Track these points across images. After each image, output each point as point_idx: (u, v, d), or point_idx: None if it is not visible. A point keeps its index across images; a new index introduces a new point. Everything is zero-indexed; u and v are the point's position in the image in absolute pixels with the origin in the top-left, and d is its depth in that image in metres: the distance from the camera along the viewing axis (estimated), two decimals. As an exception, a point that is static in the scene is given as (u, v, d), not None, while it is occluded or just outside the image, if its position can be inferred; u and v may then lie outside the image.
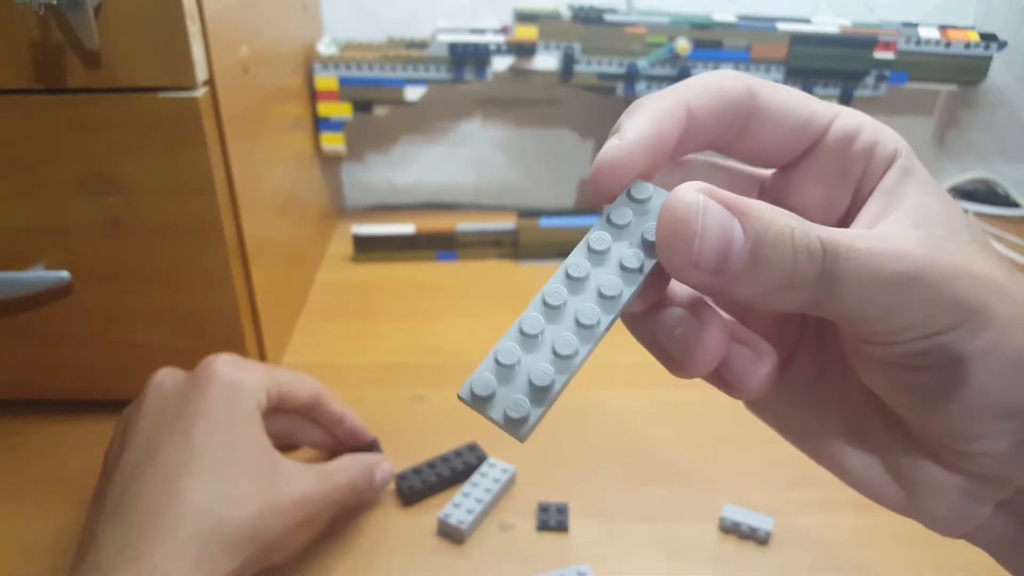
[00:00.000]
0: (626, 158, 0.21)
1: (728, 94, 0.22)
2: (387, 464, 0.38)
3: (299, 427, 0.39)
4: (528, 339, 0.21)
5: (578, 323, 0.20)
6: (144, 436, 0.31)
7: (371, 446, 0.41)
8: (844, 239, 0.18)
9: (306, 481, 0.32)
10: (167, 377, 0.34)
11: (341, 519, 0.38)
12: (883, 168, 0.22)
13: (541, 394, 0.20)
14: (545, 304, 0.22)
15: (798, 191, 0.23)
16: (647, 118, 0.21)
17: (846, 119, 0.21)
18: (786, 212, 0.19)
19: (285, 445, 0.40)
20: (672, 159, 0.22)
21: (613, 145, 0.21)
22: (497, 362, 0.20)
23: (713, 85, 0.22)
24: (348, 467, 0.36)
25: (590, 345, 0.20)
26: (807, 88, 0.63)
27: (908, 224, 0.20)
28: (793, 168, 0.22)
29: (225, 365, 0.33)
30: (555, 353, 0.20)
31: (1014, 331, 0.19)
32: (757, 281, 0.18)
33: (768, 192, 0.24)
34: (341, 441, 0.40)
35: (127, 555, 0.27)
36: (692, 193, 0.18)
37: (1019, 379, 0.19)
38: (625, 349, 0.53)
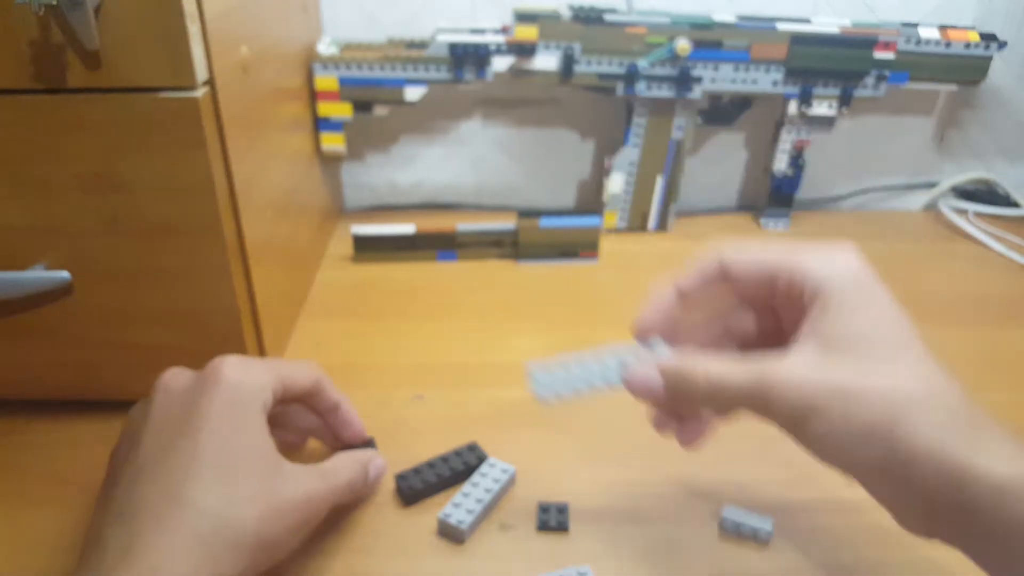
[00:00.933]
0: (642, 330, 0.35)
1: (706, 271, 0.34)
2: (379, 460, 0.39)
3: (296, 415, 0.39)
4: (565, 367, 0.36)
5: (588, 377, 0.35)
6: (151, 439, 0.31)
7: (366, 445, 0.41)
8: (767, 369, 0.30)
9: (308, 482, 0.33)
10: (174, 378, 0.34)
11: (341, 519, 0.38)
12: (808, 305, 0.31)
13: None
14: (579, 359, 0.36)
15: (768, 315, 0.35)
16: (648, 307, 0.35)
17: (788, 269, 0.31)
18: (705, 361, 0.31)
19: (285, 444, 0.40)
20: (683, 306, 0.35)
21: (640, 320, 0.35)
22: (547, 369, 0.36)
23: (695, 267, 0.34)
24: (345, 466, 0.36)
25: (586, 388, 0.35)
26: (807, 88, 0.63)
27: (811, 353, 0.29)
28: (764, 302, 0.34)
29: (231, 367, 0.33)
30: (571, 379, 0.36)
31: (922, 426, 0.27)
32: (678, 401, 0.32)
33: (759, 312, 0.35)
34: (334, 429, 0.40)
35: (130, 556, 0.27)
36: (637, 370, 0.33)
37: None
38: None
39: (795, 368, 0.29)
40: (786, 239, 0.68)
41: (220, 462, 0.30)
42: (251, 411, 0.32)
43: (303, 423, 0.40)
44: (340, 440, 0.40)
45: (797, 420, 0.29)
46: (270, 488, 0.31)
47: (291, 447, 0.41)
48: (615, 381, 0.34)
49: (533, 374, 0.36)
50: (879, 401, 0.28)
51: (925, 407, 0.28)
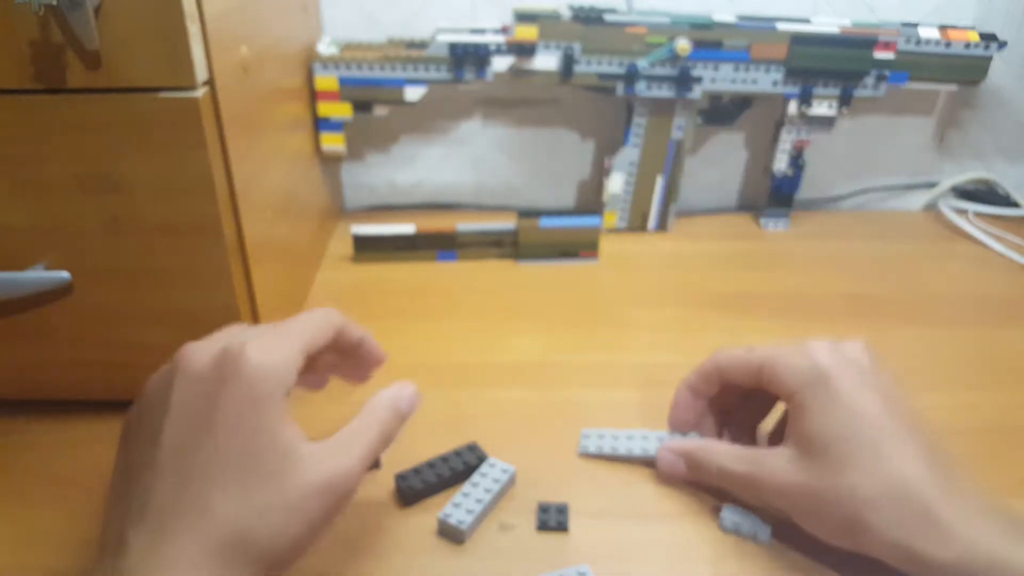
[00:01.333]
0: (674, 427, 0.43)
1: (706, 372, 0.41)
2: (408, 390, 0.36)
3: (317, 357, 0.36)
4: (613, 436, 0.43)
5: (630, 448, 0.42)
6: (171, 433, 0.30)
7: None
8: (756, 469, 0.36)
9: (328, 464, 0.30)
10: (195, 359, 0.31)
11: (340, 519, 0.38)
12: (788, 406, 0.37)
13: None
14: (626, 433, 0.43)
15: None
16: (673, 410, 0.43)
17: (769, 370, 0.38)
18: (717, 453, 0.39)
19: (309, 384, 0.39)
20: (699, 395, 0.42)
21: (671, 421, 0.43)
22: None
23: (697, 371, 0.42)
24: (370, 422, 0.33)
25: (624, 452, 0.42)
26: (807, 88, 0.63)
27: (789, 455, 0.35)
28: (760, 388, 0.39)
29: (255, 351, 0.30)
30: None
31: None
32: (699, 478, 0.40)
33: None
34: (358, 366, 0.39)
35: (153, 562, 0.27)
36: (664, 453, 0.41)
37: None
38: (624, 350, 0.53)
39: (776, 469, 0.36)
40: (786, 239, 0.68)
41: (241, 465, 0.29)
42: (274, 402, 0.30)
43: (324, 362, 0.38)
44: (364, 375, 0.39)
45: (782, 510, 0.36)
46: (291, 485, 0.29)
47: (314, 387, 0.40)
48: (650, 453, 0.41)
49: (585, 434, 0.43)
50: (841, 501, 0.33)
51: (880, 505, 0.32)
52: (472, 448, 0.41)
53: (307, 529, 0.30)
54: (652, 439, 0.42)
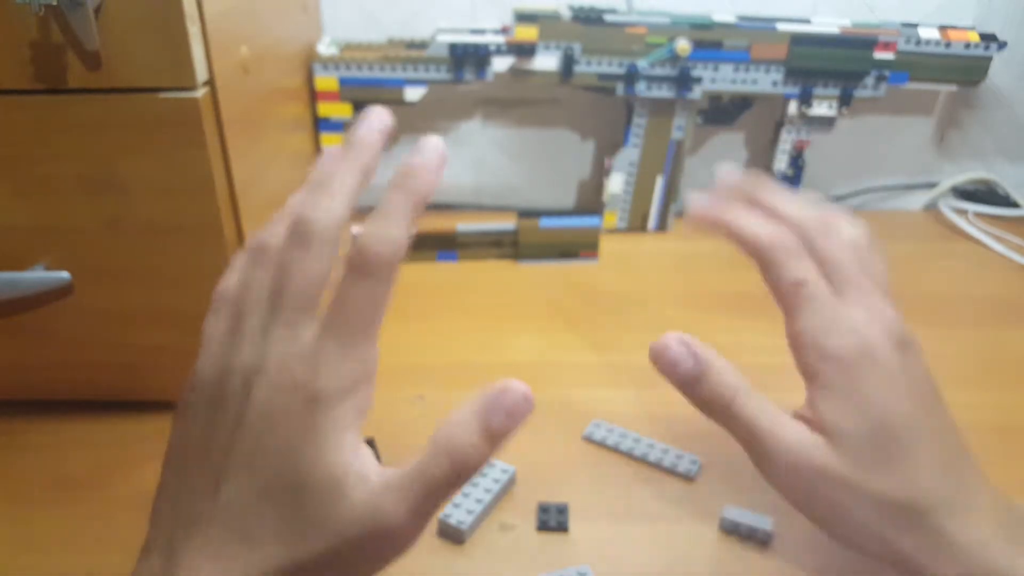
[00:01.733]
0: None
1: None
2: (514, 389, 0.26)
3: None
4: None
5: None
6: (241, 448, 0.26)
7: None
8: (771, 423, 0.30)
9: (377, 505, 0.25)
10: (267, 382, 0.26)
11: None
12: (809, 372, 0.31)
13: None
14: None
15: None
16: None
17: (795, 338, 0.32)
18: (734, 381, 0.31)
19: None
20: None
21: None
22: None
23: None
24: (445, 445, 0.26)
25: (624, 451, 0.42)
26: (807, 89, 0.63)
27: (810, 435, 0.30)
28: None
29: (327, 375, 0.26)
30: None
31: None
32: (698, 392, 0.31)
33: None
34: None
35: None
36: (677, 345, 0.31)
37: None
38: (624, 350, 0.53)
39: (792, 445, 0.30)
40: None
41: (291, 499, 0.25)
42: (341, 429, 0.26)
43: None
44: None
45: (778, 486, 0.31)
46: (336, 526, 0.25)
47: None
48: (649, 459, 0.41)
49: (596, 423, 0.43)
50: (861, 504, 0.29)
51: (895, 516, 0.29)
52: None
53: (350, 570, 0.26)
54: (657, 449, 0.42)
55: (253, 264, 0.29)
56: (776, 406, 0.31)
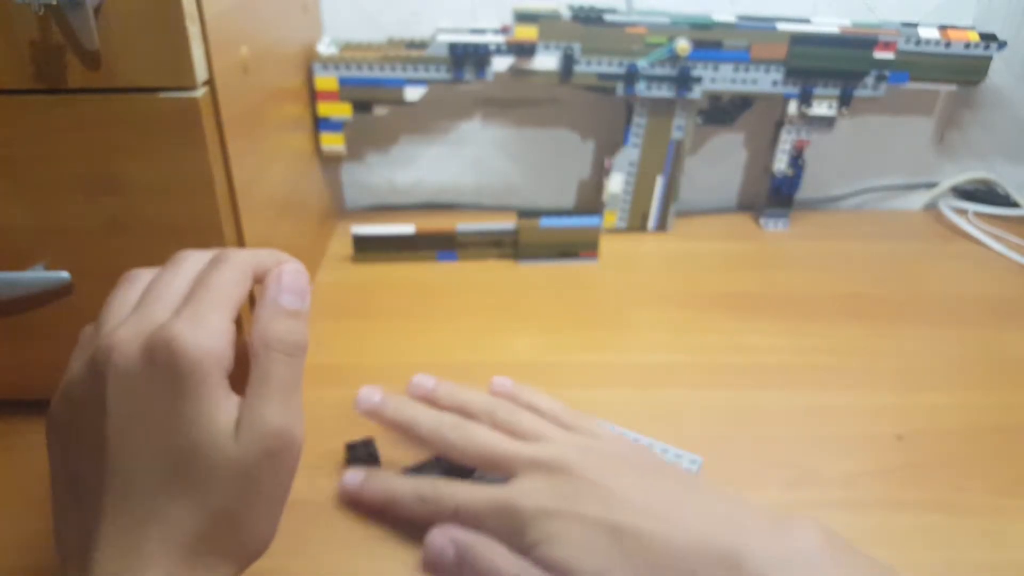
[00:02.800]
0: None
1: None
2: (286, 268, 0.31)
3: None
4: None
5: None
6: (114, 441, 0.27)
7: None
8: None
9: (260, 430, 0.27)
10: (122, 357, 0.27)
11: (338, 519, 0.38)
12: None
13: None
14: None
15: None
16: None
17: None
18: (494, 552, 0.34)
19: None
20: None
21: None
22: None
23: None
24: (270, 361, 0.28)
25: None
26: (807, 88, 0.63)
27: None
28: None
29: (185, 333, 0.27)
30: None
31: None
32: None
33: None
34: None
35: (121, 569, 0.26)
36: (435, 538, 0.36)
37: None
38: (624, 350, 0.53)
39: None
40: (786, 239, 0.68)
41: (186, 466, 0.27)
42: (212, 387, 0.27)
43: None
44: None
45: None
46: (234, 473, 0.27)
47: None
48: None
49: (599, 423, 0.41)
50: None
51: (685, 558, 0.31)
52: None
53: (264, 504, 0.28)
54: (657, 448, 0.42)
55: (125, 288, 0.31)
56: (525, 561, 0.33)
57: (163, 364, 0.26)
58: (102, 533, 0.26)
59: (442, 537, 0.35)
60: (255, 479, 0.27)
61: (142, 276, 0.31)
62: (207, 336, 0.27)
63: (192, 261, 0.31)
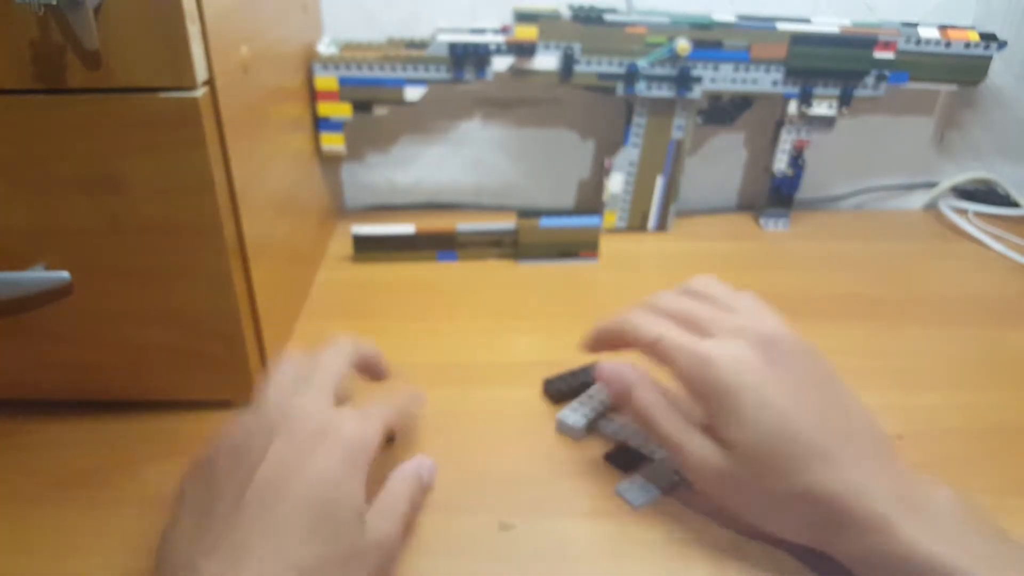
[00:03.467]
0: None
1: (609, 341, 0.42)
2: (428, 462, 0.39)
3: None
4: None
5: None
6: (262, 479, 0.31)
7: (388, 441, 0.42)
8: (683, 437, 0.36)
9: (381, 528, 0.33)
10: (301, 425, 0.33)
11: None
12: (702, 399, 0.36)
13: None
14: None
15: None
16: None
17: (674, 371, 0.37)
18: (651, 397, 0.38)
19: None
20: None
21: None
22: None
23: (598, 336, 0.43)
24: (400, 490, 0.36)
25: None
26: (807, 88, 0.63)
27: (718, 452, 0.35)
28: None
29: (352, 427, 0.33)
30: None
31: None
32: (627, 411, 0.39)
33: None
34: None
35: None
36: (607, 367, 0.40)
37: None
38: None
39: (706, 459, 0.35)
40: (786, 239, 0.68)
41: (322, 520, 0.30)
42: (360, 470, 0.33)
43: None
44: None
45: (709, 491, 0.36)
46: (358, 543, 0.31)
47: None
48: (657, 457, 0.42)
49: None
50: (791, 503, 0.33)
51: (836, 516, 0.32)
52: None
53: None
54: (658, 454, 0.42)
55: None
56: (684, 419, 0.36)
57: (332, 440, 0.32)
58: (216, 549, 0.29)
59: (614, 371, 0.39)
60: (364, 562, 0.31)
61: (296, 356, 0.38)
62: (366, 434, 0.34)
63: (345, 343, 0.39)
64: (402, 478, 0.36)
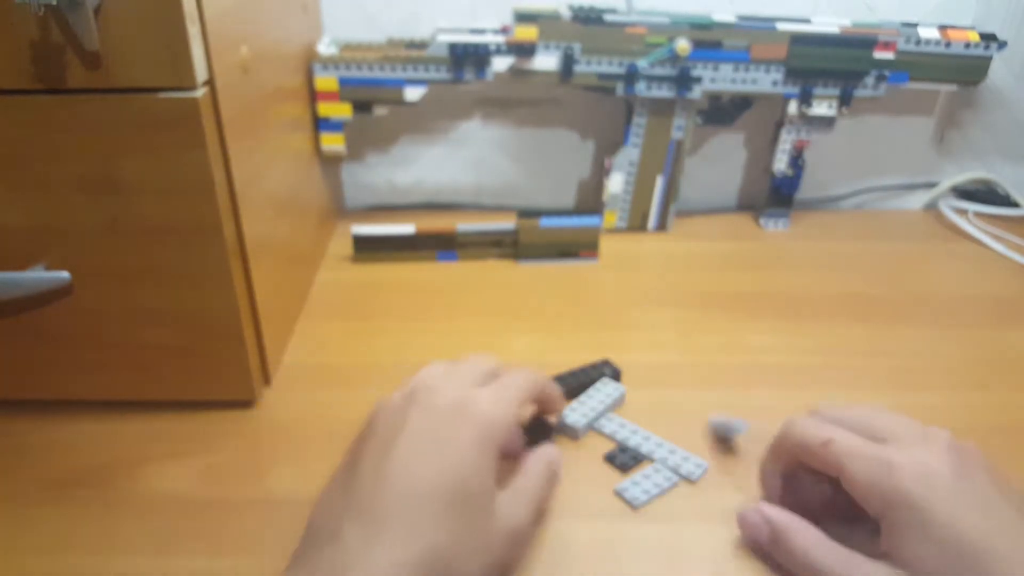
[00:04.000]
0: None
1: (779, 455, 0.38)
2: (556, 451, 0.38)
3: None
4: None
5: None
6: (402, 451, 0.32)
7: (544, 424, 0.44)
8: (847, 569, 0.32)
9: (515, 515, 0.33)
10: (435, 398, 0.34)
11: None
12: (878, 517, 0.33)
13: None
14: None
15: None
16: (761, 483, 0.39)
17: (847, 483, 0.34)
18: (807, 533, 0.34)
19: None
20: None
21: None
22: None
23: (772, 453, 0.39)
24: (537, 477, 0.36)
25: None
26: (807, 88, 0.63)
27: (889, 573, 0.31)
28: None
29: (487, 401, 0.34)
30: None
31: None
32: (780, 557, 0.35)
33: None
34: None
35: (364, 559, 0.29)
36: (751, 514, 0.36)
37: None
38: (624, 350, 0.53)
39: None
40: (786, 239, 0.68)
41: (456, 498, 0.31)
42: (493, 448, 0.33)
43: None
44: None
45: None
46: (491, 528, 0.32)
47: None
48: (657, 457, 0.42)
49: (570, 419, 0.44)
50: None
51: None
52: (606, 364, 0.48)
53: (493, 572, 0.32)
54: (665, 448, 0.42)
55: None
56: (848, 550, 0.32)
57: (466, 415, 0.33)
58: (360, 515, 0.30)
59: (755, 515, 0.36)
60: (493, 544, 0.32)
61: (441, 362, 0.39)
62: (500, 409, 0.34)
63: (482, 359, 0.39)
64: (535, 465, 0.36)
